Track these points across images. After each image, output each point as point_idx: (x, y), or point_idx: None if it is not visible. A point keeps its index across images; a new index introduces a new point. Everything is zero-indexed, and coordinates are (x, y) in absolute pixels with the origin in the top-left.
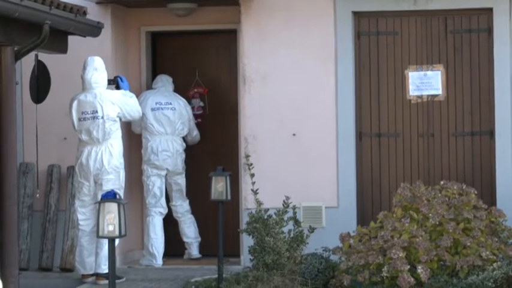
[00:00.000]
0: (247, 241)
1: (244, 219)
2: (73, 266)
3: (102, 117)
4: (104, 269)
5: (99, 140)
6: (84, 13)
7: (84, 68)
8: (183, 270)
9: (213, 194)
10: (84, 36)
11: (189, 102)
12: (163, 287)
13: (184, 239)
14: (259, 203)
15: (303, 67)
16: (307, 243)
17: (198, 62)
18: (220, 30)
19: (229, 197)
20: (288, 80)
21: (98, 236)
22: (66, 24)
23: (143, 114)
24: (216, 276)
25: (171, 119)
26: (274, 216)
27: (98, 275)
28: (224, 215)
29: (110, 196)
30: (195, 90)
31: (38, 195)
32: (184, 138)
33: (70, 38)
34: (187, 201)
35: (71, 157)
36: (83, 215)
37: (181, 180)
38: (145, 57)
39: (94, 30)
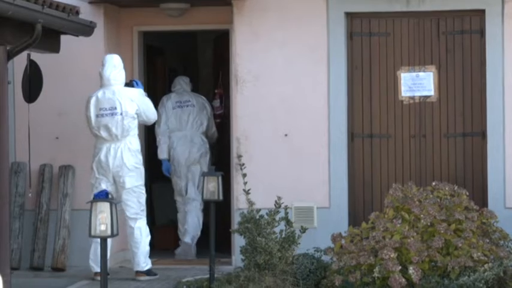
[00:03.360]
0: (238, 241)
1: (236, 219)
2: (64, 265)
3: (121, 114)
4: (144, 266)
5: (118, 136)
6: (77, 13)
7: (103, 65)
8: (174, 270)
9: (205, 194)
10: (77, 36)
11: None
12: (155, 287)
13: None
14: (251, 203)
15: (295, 67)
16: (299, 243)
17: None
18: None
19: (221, 197)
20: (280, 80)
21: (90, 236)
22: (58, 24)
23: (166, 114)
24: (208, 276)
25: (191, 116)
26: (266, 216)
27: (137, 272)
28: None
29: (102, 196)
30: (216, 91)
31: (30, 194)
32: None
33: (62, 37)
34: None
35: (63, 157)
36: None
37: (196, 169)
38: (138, 57)
39: (87, 29)
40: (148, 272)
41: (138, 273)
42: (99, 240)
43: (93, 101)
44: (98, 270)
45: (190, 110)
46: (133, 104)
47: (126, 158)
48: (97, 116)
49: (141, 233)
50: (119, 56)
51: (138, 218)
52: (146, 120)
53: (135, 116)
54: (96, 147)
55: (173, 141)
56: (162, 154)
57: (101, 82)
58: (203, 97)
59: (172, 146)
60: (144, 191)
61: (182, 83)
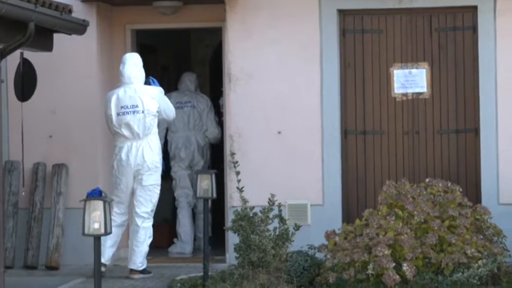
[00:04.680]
0: (232, 239)
1: (230, 217)
2: (58, 263)
3: (143, 112)
4: (140, 266)
5: (139, 135)
6: (70, 11)
7: (123, 63)
8: (168, 268)
9: (198, 191)
10: (70, 34)
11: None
12: (149, 285)
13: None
14: (244, 201)
15: (288, 65)
16: (293, 240)
17: None
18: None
19: (214, 195)
20: (273, 77)
21: (83, 234)
22: (51, 22)
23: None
24: (202, 274)
25: (190, 117)
26: (259, 214)
27: (132, 270)
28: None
29: (96, 194)
30: (221, 89)
31: (23, 193)
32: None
33: (55, 36)
34: None
35: (56, 155)
36: (119, 210)
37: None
38: None
39: (79, 28)
40: (142, 271)
41: (133, 271)
42: (109, 237)
43: (114, 99)
44: (102, 260)
45: (190, 111)
46: (154, 102)
47: (147, 156)
48: (118, 114)
49: (146, 234)
50: (138, 55)
51: (146, 218)
52: (166, 118)
53: (156, 114)
54: (117, 145)
55: (172, 142)
56: None
57: (121, 80)
58: (206, 97)
59: (176, 146)
60: (158, 191)
61: (187, 82)
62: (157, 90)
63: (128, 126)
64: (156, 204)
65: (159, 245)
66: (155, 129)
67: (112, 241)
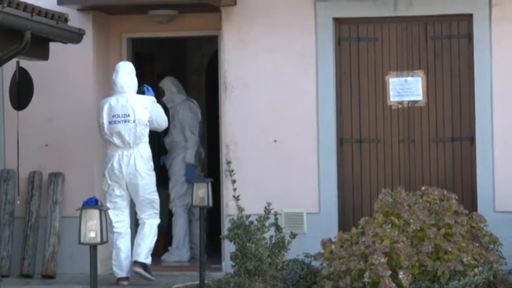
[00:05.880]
0: (228, 247)
1: (226, 225)
2: (54, 272)
3: (134, 121)
4: (144, 258)
5: (130, 144)
6: (66, 20)
7: (116, 72)
8: (164, 277)
9: (195, 200)
10: (66, 43)
11: None
12: None
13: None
14: (240, 209)
15: (284, 73)
16: (289, 249)
17: None
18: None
19: (210, 204)
20: (269, 86)
21: (80, 243)
22: (47, 31)
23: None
24: (198, 282)
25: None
26: (255, 222)
27: (135, 262)
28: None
29: (92, 203)
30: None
31: (18, 201)
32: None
33: (51, 44)
34: None
35: (52, 164)
36: (117, 217)
37: None
38: None
39: (75, 37)
40: (145, 267)
41: (137, 263)
42: (119, 245)
43: (106, 107)
44: (122, 275)
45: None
46: (145, 111)
47: (139, 166)
48: (110, 122)
49: (151, 229)
50: (131, 64)
51: (152, 217)
52: (157, 127)
53: (148, 123)
54: (108, 154)
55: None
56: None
57: (113, 89)
58: (193, 100)
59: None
60: (157, 196)
61: (166, 88)
62: (149, 100)
63: (119, 135)
64: (158, 207)
65: (155, 253)
66: (146, 138)
67: (125, 253)
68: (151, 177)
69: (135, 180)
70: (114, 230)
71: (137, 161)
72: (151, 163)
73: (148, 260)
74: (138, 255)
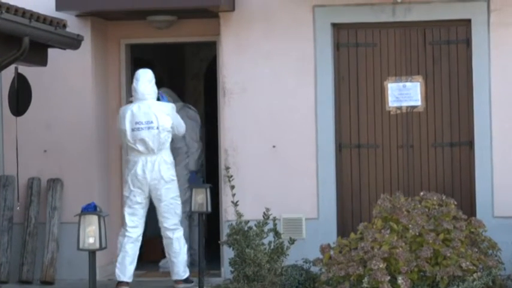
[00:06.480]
0: (227, 253)
1: (225, 231)
2: (53, 278)
3: (157, 128)
4: (183, 275)
5: (154, 150)
6: (64, 26)
7: (137, 80)
8: (163, 283)
9: (193, 206)
10: (64, 49)
11: None
12: None
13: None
14: (239, 215)
15: (282, 79)
16: (288, 254)
17: None
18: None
19: (209, 209)
20: (267, 91)
21: (78, 249)
22: (46, 37)
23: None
24: None
25: None
26: (254, 228)
27: (176, 281)
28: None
29: (91, 209)
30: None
31: (18, 207)
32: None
33: (50, 50)
34: None
35: (51, 170)
36: (132, 223)
37: None
38: (125, 70)
39: (74, 42)
40: (186, 280)
41: (178, 281)
42: (127, 249)
43: (128, 115)
44: (124, 279)
45: None
46: (168, 118)
47: (163, 171)
48: (133, 129)
49: (180, 244)
50: (151, 71)
51: (176, 229)
52: (177, 134)
53: (171, 129)
54: (131, 160)
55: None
56: None
57: (134, 96)
58: (190, 106)
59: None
60: (179, 202)
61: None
62: (170, 107)
63: (143, 141)
64: (180, 213)
65: (153, 259)
66: (168, 145)
67: (131, 258)
68: (175, 182)
69: (159, 185)
70: (127, 233)
71: (161, 167)
72: (174, 169)
73: (187, 274)
74: (176, 274)
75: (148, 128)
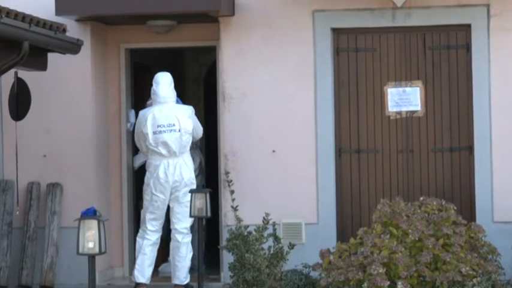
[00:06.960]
0: (227, 258)
1: (224, 235)
2: (52, 283)
3: (179, 130)
4: (183, 280)
5: (176, 153)
6: (64, 30)
7: (157, 83)
8: (162, 287)
9: (193, 210)
10: (64, 54)
11: None
12: None
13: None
14: (239, 220)
15: (282, 83)
16: (287, 259)
17: None
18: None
19: (209, 214)
20: (267, 96)
21: (78, 253)
22: (45, 42)
23: None
24: None
25: None
26: (254, 232)
27: (176, 285)
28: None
29: (90, 213)
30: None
31: (17, 212)
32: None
33: (49, 55)
34: None
35: (51, 174)
36: (153, 227)
37: None
38: (125, 75)
39: (74, 47)
40: (186, 286)
41: (178, 286)
42: (147, 251)
43: (150, 118)
44: (143, 281)
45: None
46: (189, 120)
47: (184, 174)
48: (154, 132)
49: (187, 249)
50: (170, 74)
51: (186, 234)
52: (195, 137)
53: (192, 132)
54: (152, 164)
55: None
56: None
57: (155, 99)
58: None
59: None
60: None
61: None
62: (190, 110)
63: (165, 144)
64: (193, 220)
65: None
66: (189, 148)
67: (150, 261)
68: (194, 185)
69: (180, 187)
70: (146, 236)
71: (183, 169)
72: (194, 173)
73: (187, 280)
74: (177, 278)
75: (170, 130)
